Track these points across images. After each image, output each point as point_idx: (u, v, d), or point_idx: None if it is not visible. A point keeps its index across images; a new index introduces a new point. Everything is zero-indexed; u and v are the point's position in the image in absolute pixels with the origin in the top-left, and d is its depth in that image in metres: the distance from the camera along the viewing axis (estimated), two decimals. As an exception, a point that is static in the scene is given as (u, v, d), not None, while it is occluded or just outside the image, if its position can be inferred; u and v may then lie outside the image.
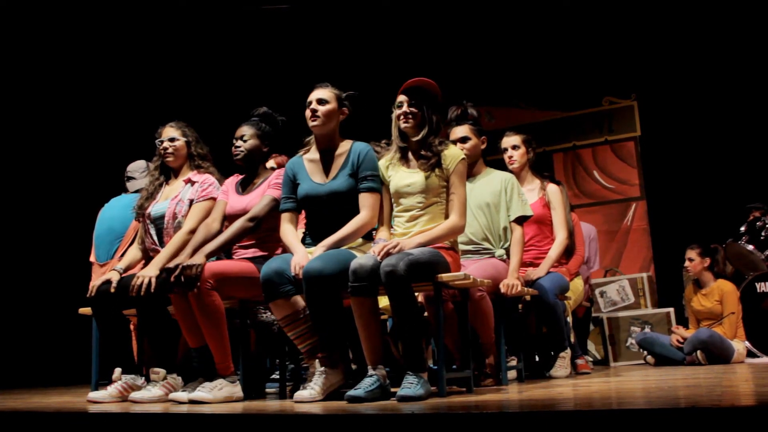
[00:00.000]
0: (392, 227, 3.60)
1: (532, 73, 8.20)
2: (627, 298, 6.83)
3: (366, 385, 3.11)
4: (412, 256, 3.16)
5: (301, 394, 3.22)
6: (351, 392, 3.07)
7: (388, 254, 3.18)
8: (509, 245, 4.28)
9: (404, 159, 3.57)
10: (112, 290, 3.85)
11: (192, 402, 3.35)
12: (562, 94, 8.21)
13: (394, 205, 3.58)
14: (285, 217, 3.67)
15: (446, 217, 3.50)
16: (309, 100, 3.65)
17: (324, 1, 7.60)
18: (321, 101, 3.62)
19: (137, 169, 5.19)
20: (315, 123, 3.62)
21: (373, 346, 3.24)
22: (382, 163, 3.62)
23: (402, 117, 3.50)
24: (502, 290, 4.09)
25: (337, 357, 3.38)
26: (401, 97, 3.52)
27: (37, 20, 7.10)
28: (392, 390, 3.24)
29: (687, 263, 5.77)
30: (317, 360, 3.38)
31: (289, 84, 6.52)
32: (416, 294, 3.84)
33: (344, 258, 3.32)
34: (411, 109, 3.48)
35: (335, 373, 3.35)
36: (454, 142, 4.33)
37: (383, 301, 3.60)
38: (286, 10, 7.61)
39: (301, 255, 3.41)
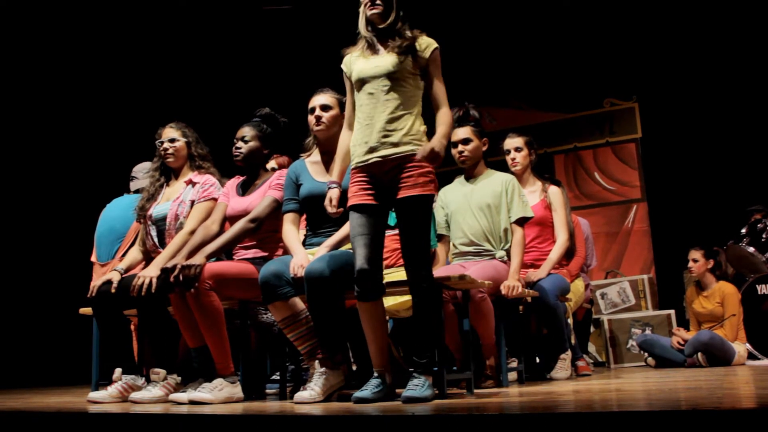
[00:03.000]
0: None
1: (533, 74, 8.21)
2: (628, 299, 6.83)
3: (372, 386, 3.11)
4: (424, 267, 3.11)
5: (301, 395, 3.22)
6: (358, 393, 3.07)
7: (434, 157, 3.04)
8: (510, 247, 4.28)
9: (372, 48, 3.27)
10: (113, 290, 3.85)
11: (192, 402, 3.35)
12: (563, 96, 8.22)
13: (358, 100, 3.27)
14: (287, 219, 3.68)
15: (413, 101, 3.21)
16: (312, 106, 3.67)
17: (326, 1, 7.60)
18: (324, 107, 3.65)
19: (141, 169, 5.18)
20: (320, 129, 3.64)
21: (379, 348, 3.22)
22: (346, 59, 3.35)
23: (369, 3, 3.22)
24: (503, 292, 4.09)
25: (339, 358, 3.38)
26: None
27: (39, 20, 7.10)
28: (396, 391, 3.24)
29: (691, 264, 5.76)
30: (317, 361, 3.38)
31: (290, 84, 6.53)
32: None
33: (345, 259, 3.32)
34: None
35: (336, 374, 3.35)
36: (455, 144, 4.34)
37: (384, 303, 3.60)
38: (289, 10, 7.61)
39: (301, 257, 3.42)
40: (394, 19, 3.22)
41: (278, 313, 3.43)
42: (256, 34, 7.87)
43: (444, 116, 3.21)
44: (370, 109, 3.19)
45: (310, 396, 3.21)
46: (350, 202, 3.20)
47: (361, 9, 3.27)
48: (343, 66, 3.35)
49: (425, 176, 3.13)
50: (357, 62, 3.27)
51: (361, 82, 3.23)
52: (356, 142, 3.23)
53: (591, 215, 7.44)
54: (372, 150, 3.16)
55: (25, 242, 7.44)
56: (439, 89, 3.25)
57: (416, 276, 3.10)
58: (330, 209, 3.24)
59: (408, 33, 3.22)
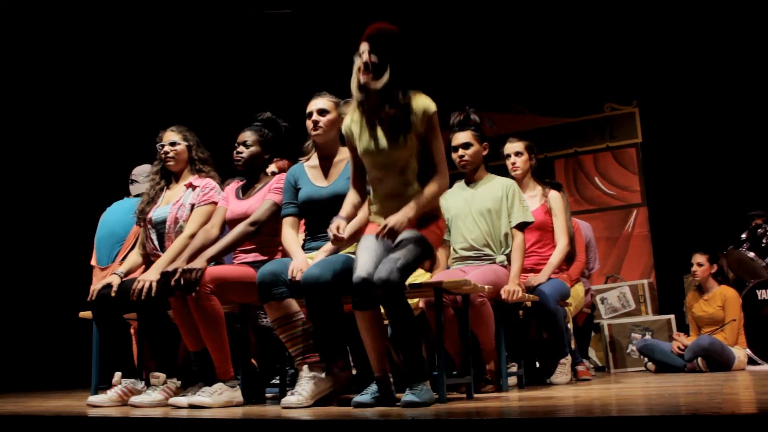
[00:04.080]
0: (369, 196, 3.41)
1: (533, 79, 8.22)
2: (628, 304, 6.83)
3: (372, 391, 3.11)
4: (401, 260, 3.02)
5: (288, 399, 3.21)
6: (357, 398, 3.08)
7: (390, 232, 3.04)
8: (510, 251, 4.28)
9: (367, 115, 3.25)
10: (113, 294, 3.85)
11: (192, 406, 3.35)
12: (563, 100, 8.23)
13: (363, 159, 3.31)
14: (286, 222, 3.68)
15: (421, 174, 3.22)
16: (309, 110, 3.66)
17: (326, 5, 7.61)
18: (322, 111, 3.64)
19: (141, 173, 5.18)
20: (317, 133, 3.64)
21: (378, 353, 3.21)
22: (346, 125, 3.34)
23: (362, 66, 3.16)
24: (503, 296, 4.09)
25: (341, 364, 3.36)
26: (363, 45, 3.20)
27: (40, 24, 7.11)
28: (396, 395, 3.24)
29: (695, 268, 5.75)
30: (306, 365, 3.36)
31: (291, 88, 6.53)
32: (417, 300, 3.86)
33: (342, 263, 3.31)
34: (372, 58, 3.14)
35: (325, 380, 3.33)
36: (456, 148, 4.34)
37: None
38: (289, 14, 7.62)
39: (301, 260, 3.41)
40: (387, 84, 3.14)
41: (272, 312, 3.41)
42: (256, 37, 7.87)
43: (433, 185, 3.17)
44: (380, 177, 3.24)
45: (297, 401, 3.19)
46: (368, 233, 3.22)
47: (354, 70, 3.21)
48: (343, 129, 3.34)
49: (430, 221, 3.20)
50: (356, 132, 3.27)
51: (365, 155, 3.25)
52: (373, 201, 3.32)
53: (591, 220, 7.42)
54: (389, 212, 3.16)
55: (26, 246, 7.44)
56: (437, 152, 3.20)
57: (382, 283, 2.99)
58: (332, 232, 3.16)
59: (401, 100, 3.14)
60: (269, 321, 3.51)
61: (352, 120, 3.30)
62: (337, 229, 3.16)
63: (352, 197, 3.36)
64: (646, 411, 2.42)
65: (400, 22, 3.29)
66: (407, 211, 3.09)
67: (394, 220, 3.05)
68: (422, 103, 3.17)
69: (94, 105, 7.76)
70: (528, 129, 8.00)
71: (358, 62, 3.18)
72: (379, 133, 3.20)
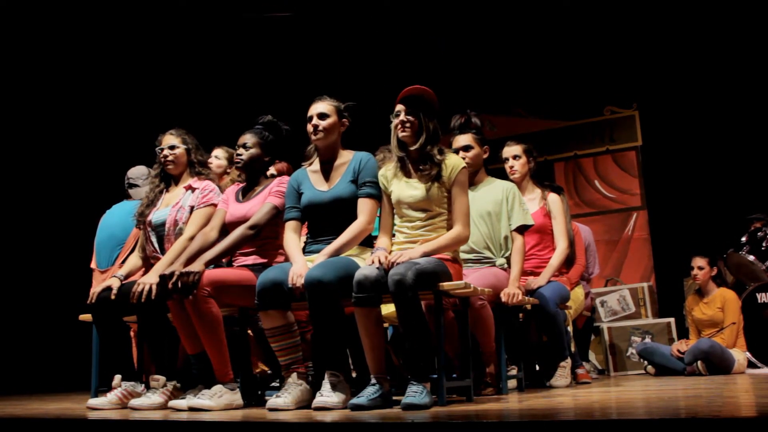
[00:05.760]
0: (394, 235, 3.60)
1: (533, 82, 8.22)
2: (628, 307, 6.82)
3: (369, 393, 3.12)
4: (419, 265, 3.18)
5: (275, 401, 3.26)
6: (354, 400, 3.10)
7: (394, 265, 3.20)
8: (510, 254, 4.28)
9: (404, 169, 3.56)
10: (113, 297, 3.85)
11: (191, 409, 3.35)
12: (563, 104, 8.23)
13: (397, 216, 3.58)
14: (289, 226, 3.67)
15: (449, 227, 3.50)
16: (309, 114, 3.66)
17: (327, 8, 7.62)
18: (322, 116, 3.64)
19: (140, 176, 5.18)
20: (318, 137, 3.64)
21: (376, 355, 3.25)
22: (382, 173, 3.61)
23: (400, 126, 3.49)
24: (503, 299, 4.09)
25: (341, 377, 3.37)
26: (399, 106, 3.51)
27: (40, 27, 7.12)
28: (393, 398, 3.24)
29: (696, 271, 5.75)
30: (295, 373, 3.44)
31: (291, 91, 6.54)
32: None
33: (343, 265, 3.32)
34: (408, 117, 3.47)
35: (308, 391, 3.39)
36: (456, 151, 4.34)
37: (384, 310, 3.61)
38: (289, 17, 7.63)
39: (300, 265, 3.40)
40: (424, 142, 3.47)
41: (268, 321, 3.44)
42: (257, 40, 7.88)
43: (452, 232, 3.45)
44: (411, 226, 3.51)
45: (283, 403, 3.24)
46: None
47: (392, 129, 3.53)
48: (380, 176, 3.62)
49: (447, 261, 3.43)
50: (393, 183, 3.57)
51: (399, 204, 3.55)
52: (397, 243, 3.56)
53: (591, 223, 7.43)
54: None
55: (26, 249, 7.44)
56: (460, 206, 3.48)
57: (400, 284, 3.13)
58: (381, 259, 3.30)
59: (437, 156, 3.47)
60: (263, 328, 3.52)
61: (387, 169, 3.61)
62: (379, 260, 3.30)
63: (384, 243, 3.55)
64: (646, 414, 2.42)
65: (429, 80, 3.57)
66: (419, 248, 3.36)
67: (408, 252, 3.30)
68: (454, 161, 3.51)
69: (94, 108, 7.77)
70: (528, 132, 8.01)
71: (395, 121, 3.52)
72: (416, 185, 3.49)
